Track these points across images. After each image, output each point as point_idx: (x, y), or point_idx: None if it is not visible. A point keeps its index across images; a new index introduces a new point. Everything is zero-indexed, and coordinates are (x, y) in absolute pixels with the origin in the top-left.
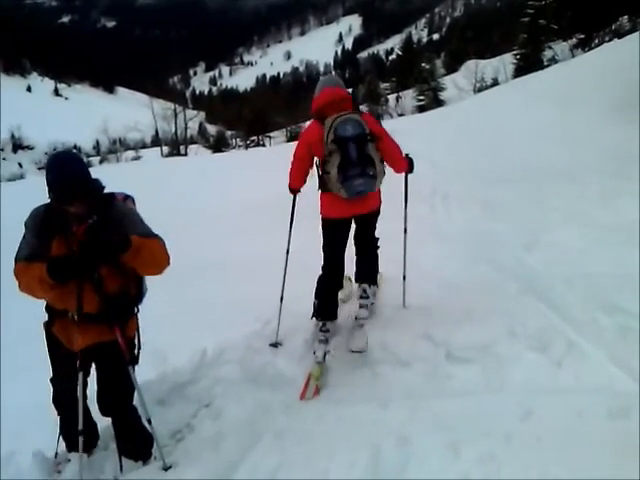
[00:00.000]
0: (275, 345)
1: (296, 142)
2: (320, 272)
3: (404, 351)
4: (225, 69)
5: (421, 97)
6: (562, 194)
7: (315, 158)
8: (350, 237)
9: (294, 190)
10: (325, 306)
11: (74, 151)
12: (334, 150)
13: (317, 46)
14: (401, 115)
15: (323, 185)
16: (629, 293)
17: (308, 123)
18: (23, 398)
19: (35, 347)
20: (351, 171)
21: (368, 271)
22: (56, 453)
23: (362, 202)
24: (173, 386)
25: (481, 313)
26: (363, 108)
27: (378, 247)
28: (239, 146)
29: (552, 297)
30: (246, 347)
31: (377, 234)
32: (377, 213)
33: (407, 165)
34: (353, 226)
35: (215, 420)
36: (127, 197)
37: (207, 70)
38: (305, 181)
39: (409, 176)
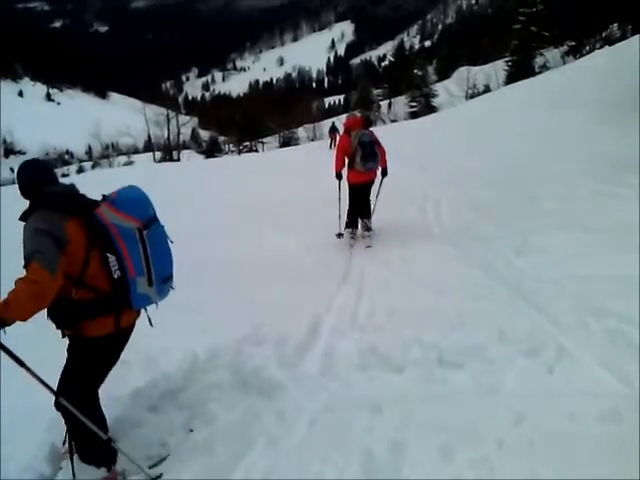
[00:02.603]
0: (339, 235)
1: (289, 147)
2: (348, 208)
3: (396, 356)
4: (218, 74)
5: (413, 103)
6: (552, 198)
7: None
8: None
9: (339, 172)
10: (352, 221)
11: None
12: (357, 148)
13: (310, 52)
14: (394, 121)
15: (351, 166)
16: (619, 297)
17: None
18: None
19: (32, 347)
20: (367, 158)
21: (367, 211)
22: (64, 441)
23: (369, 174)
24: (164, 392)
25: (472, 317)
26: (356, 113)
27: (370, 200)
28: (232, 151)
29: (542, 301)
30: (237, 352)
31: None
32: (374, 182)
33: (385, 165)
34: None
35: (207, 426)
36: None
37: (200, 75)
38: (343, 166)
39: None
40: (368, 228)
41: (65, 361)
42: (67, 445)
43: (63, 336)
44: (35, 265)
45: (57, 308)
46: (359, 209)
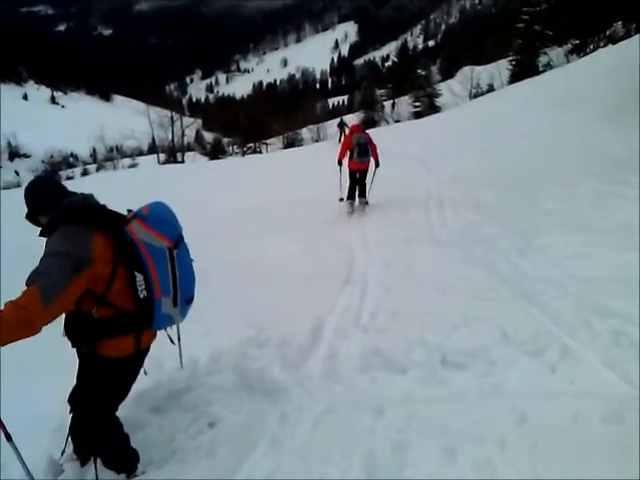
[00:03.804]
0: (341, 199)
1: (293, 148)
2: (348, 186)
3: (399, 357)
4: (222, 76)
5: (417, 103)
6: (555, 198)
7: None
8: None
9: (340, 160)
10: (351, 195)
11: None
12: (355, 147)
13: (313, 53)
14: (397, 121)
15: (350, 157)
16: (622, 297)
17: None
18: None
19: (34, 353)
20: (361, 154)
21: (363, 191)
22: (63, 451)
23: (363, 164)
24: (168, 394)
25: (475, 318)
26: (360, 114)
27: (366, 184)
28: (236, 153)
29: (545, 301)
30: (241, 354)
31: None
32: (367, 170)
33: (377, 158)
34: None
35: (211, 428)
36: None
37: (204, 77)
38: (344, 157)
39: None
40: (364, 202)
41: (78, 376)
42: (68, 451)
43: (79, 355)
44: (32, 289)
45: (75, 325)
46: (355, 188)
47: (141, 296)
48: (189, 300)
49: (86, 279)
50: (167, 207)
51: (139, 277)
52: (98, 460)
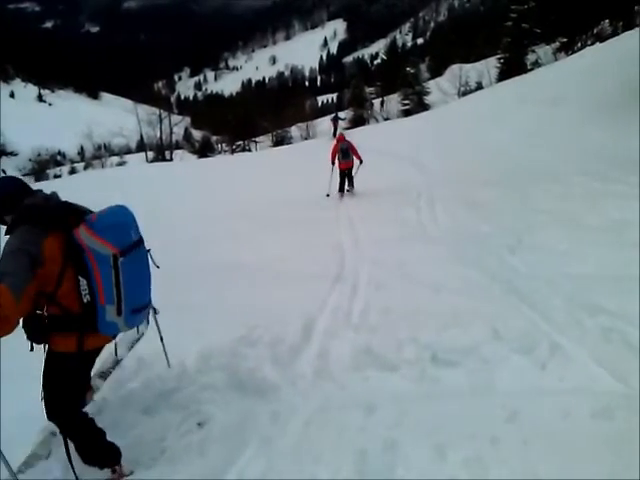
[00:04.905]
0: (327, 195)
1: (282, 147)
2: (338, 182)
3: (390, 355)
4: (210, 74)
5: (406, 101)
6: (546, 196)
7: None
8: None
9: (332, 161)
10: (341, 189)
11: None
12: (340, 152)
13: (302, 50)
14: (387, 119)
15: (338, 159)
16: (612, 294)
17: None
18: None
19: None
20: (345, 156)
21: (350, 182)
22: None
23: (347, 164)
24: (158, 393)
25: (466, 315)
26: (349, 112)
27: (352, 176)
28: (225, 151)
29: (536, 299)
30: (232, 353)
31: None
32: (352, 167)
33: (359, 157)
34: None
35: (201, 427)
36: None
37: (192, 75)
38: (335, 159)
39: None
40: (351, 189)
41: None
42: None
43: (31, 349)
44: (2, 288)
45: (29, 321)
46: (345, 182)
47: (84, 301)
48: (137, 309)
49: (38, 277)
50: (125, 212)
51: (83, 282)
52: (78, 459)
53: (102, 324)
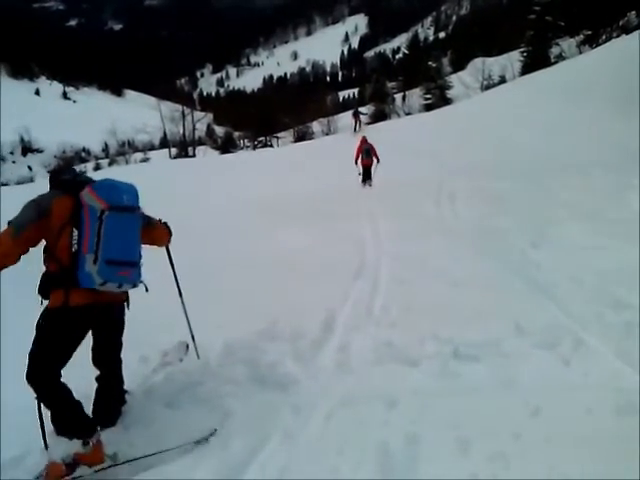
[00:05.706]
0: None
1: (303, 142)
2: (362, 175)
3: (412, 350)
4: (232, 70)
5: (428, 96)
6: (568, 189)
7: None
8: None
9: (356, 160)
10: (363, 181)
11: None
12: (363, 152)
13: (323, 46)
14: (408, 114)
15: (361, 158)
16: (636, 289)
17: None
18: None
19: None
20: (367, 156)
21: (369, 177)
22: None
23: (368, 162)
24: (181, 387)
25: (488, 311)
26: (370, 107)
27: (371, 172)
28: (247, 147)
29: (559, 293)
30: (253, 347)
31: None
32: (371, 165)
33: (378, 157)
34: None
35: (223, 421)
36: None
37: (214, 72)
38: (358, 158)
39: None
40: (369, 183)
41: None
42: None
43: (41, 303)
44: (8, 227)
45: (41, 280)
46: (365, 176)
47: (73, 250)
48: (112, 262)
49: (43, 225)
50: (126, 183)
51: (75, 233)
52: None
53: (81, 274)
